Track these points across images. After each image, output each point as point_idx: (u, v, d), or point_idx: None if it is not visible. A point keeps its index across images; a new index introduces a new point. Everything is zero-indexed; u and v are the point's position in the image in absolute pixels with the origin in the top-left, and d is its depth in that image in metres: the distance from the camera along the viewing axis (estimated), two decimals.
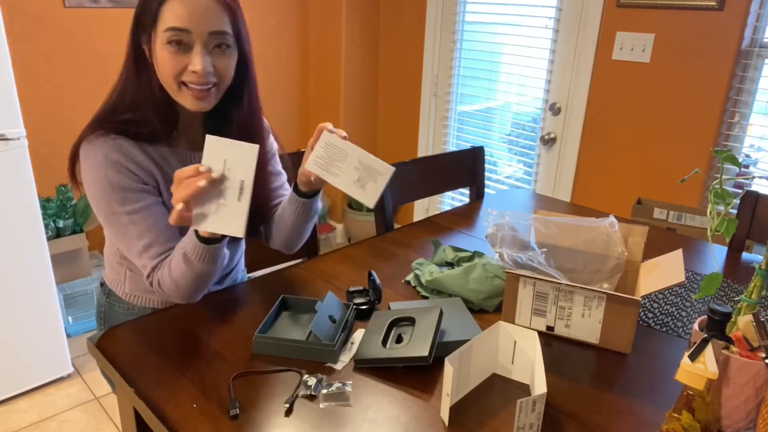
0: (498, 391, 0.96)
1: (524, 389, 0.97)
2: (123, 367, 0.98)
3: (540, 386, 0.85)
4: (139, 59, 1.09)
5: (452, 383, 0.86)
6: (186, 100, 1.09)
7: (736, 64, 2.16)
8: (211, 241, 1.04)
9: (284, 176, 1.36)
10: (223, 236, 1.06)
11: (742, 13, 2.09)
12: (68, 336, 2.45)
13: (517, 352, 0.98)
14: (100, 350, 1.03)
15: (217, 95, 1.11)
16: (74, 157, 1.13)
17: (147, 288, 1.17)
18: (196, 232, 1.04)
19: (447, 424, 0.87)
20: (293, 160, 1.65)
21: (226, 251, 1.10)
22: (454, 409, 0.90)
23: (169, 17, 1.03)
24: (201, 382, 0.94)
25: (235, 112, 1.18)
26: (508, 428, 0.87)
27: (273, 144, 1.34)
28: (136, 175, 1.11)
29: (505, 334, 0.98)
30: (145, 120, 1.11)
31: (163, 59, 1.05)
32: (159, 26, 1.04)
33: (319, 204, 1.25)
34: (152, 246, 1.10)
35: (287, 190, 1.35)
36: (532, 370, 0.96)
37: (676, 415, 0.77)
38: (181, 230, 1.15)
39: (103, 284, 1.33)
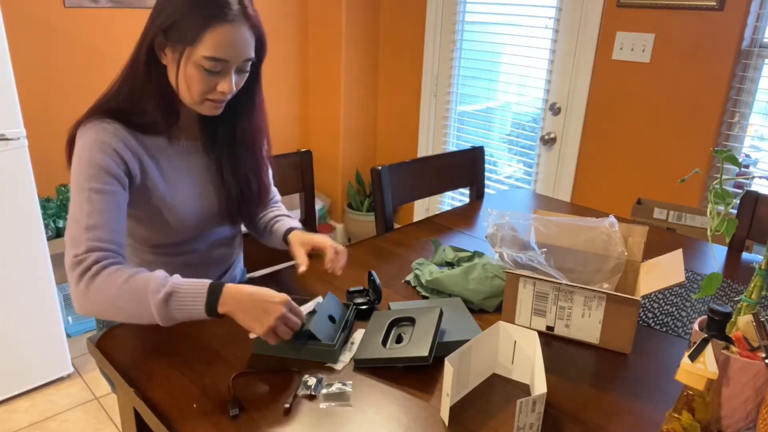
0: (498, 391, 0.96)
1: (524, 389, 0.97)
2: (123, 367, 0.98)
3: (540, 386, 0.85)
4: (150, 62, 1.09)
5: (452, 383, 0.86)
6: (204, 110, 1.13)
7: (736, 64, 2.16)
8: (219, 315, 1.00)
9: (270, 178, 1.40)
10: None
11: (742, 13, 2.09)
12: (68, 336, 2.46)
13: (517, 352, 0.98)
14: (100, 350, 1.03)
15: (227, 101, 1.15)
16: (71, 143, 1.12)
17: None
18: (214, 307, 0.98)
19: (447, 424, 0.87)
20: (291, 161, 1.68)
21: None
22: (454, 409, 0.90)
23: (211, 45, 1.04)
24: (201, 382, 0.94)
25: (242, 113, 1.22)
26: (508, 428, 0.87)
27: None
28: (121, 159, 1.08)
29: (505, 334, 0.98)
30: (144, 112, 1.12)
31: (193, 78, 1.07)
32: (198, 49, 1.04)
33: None
34: (97, 228, 1.03)
35: (274, 189, 1.41)
36: (532, 370, 0.96)
37: (676, 415, 0.77)
38: (132, 230, 1.17)
39: None
